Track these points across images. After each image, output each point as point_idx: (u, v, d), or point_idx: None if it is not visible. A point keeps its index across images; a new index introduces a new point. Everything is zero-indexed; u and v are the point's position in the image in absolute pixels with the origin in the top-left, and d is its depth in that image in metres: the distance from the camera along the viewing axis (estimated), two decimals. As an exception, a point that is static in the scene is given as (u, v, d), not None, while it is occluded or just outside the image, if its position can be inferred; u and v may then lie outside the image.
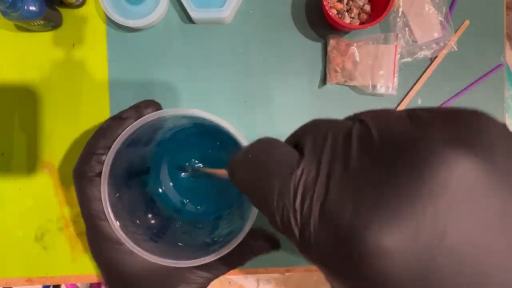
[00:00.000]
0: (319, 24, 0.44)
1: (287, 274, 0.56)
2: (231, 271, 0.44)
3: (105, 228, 0.28)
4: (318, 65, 0.44)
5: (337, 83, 0.43)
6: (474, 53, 0.44)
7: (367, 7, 0.42)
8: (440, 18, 0.43)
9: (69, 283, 0.45)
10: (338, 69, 0.42)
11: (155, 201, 0.37)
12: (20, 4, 0.36)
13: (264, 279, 0.56)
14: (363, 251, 0.13)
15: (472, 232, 0.12)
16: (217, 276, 0.31)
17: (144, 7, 0.41)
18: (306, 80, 0.44)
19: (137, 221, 0.31)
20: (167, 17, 0.43)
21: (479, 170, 0.13)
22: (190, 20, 0.43)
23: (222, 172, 0.28)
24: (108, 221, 0.28)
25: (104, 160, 0.28)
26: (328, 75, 0.43)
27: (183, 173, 0.39)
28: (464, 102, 0.45)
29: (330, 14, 0.39)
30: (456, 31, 0.44)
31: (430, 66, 0.44)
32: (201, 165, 0.37)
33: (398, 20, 0.43)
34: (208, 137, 0.38)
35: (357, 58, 0.42)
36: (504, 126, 0.15)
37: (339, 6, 0.41)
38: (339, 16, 0.41)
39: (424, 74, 0.44)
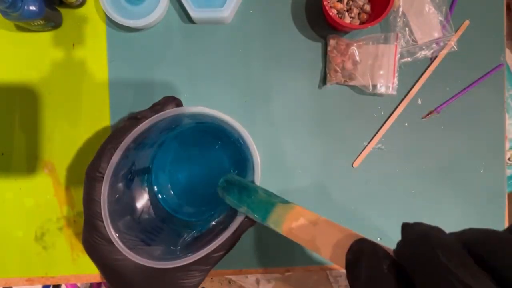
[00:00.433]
0: (319, 24, 0.44)
1: (287, 274, 0.56)
2: (231, 271, 0.44)
3: (101, 228, 0.29)
4: (318, 65, 0.44)
5: (337, 83, 0.43)
6: (474, 53, 0.44)
7: (367, 7, 0.42)
8: (440, 18, 0.43)
9: (69, 283, 0.45)
10: (338, 69, 0.42)
11: (153, 201, 0.37)
12: (20, 4, 0.36)
13: (264, 279, 0.56)
14: None
15: None
16: (212, 266, 0.31)
17: (144, 7, 0.41)
18: (306, 80, 0.44)
19: (132, 223, 0.32)
20: (167, 17, 0.43)
21: None
22: (190, 20, 0.43)
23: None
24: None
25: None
26: (328, 75, 0.43)
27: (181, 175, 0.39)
28: (464, 102, 0.45)
29: (330, 14, 0.39)
30: (456, 31, 0.44)
31: (430, 66, 0.44)
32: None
33: (398, 20, 0.43)
34: (209, 137, 0.38)
35: (357, 58, 0.42)
36: None
37: (339, 6, 0.41)
38: (339, 16, 0.41)
39: (424, 74, 0.44)
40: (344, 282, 0.57)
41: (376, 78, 0.42)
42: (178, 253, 0.29)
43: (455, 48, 0.44)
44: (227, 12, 0.41)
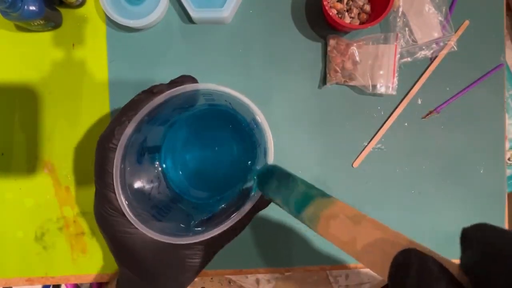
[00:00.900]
0: (319, 24, 0.44)
1: (287, 274, 0.56)
2: (231, 271, 0.44)
3: (113, 200, 0.28)
4: (318, 65, 0.44)
5: (337, 83, 0.43)
6: (474, 53, 0.44)
7: (367, 7, 0.42)
8: (440, 18, 0.43)
9: (69, 283, 0.45)
10: (338, 69, 0.42)
11: (162, 181, 0.37)
12: (20, 4, 0.36)
13: (264, 279, 0.56)
14: None
15: None
16: (220, 247, 0.31)
17: (144, 7, 0.41)
18: (306, 80, 0.44)
19: (143, 198, 0.32)
20: (167, 17, 0.43)
21: None
22: (190, 20, 0.43)
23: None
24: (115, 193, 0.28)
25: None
26: (328, 75, 0.43)
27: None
28: (464, 102, 0.45)
29: (330, 14, 0.39)
30: (456, 31, 0.44)
31: (430, 66, 0.44)
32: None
33: (398, 20, 0.43)
34: (220, 121, 0.38)
35: (357, 58, 0.42)
36: None
37: (339, 6, 0.41)
38: (339, 16, 0.41)
39: (424, 74, 0.44)
40: (344, 282, 0.57)
41: (376, 78, 0.42)
42: (188, 232, 0.29)
43: (455, 48, 0.44)
44: (227, 12, 0.41)
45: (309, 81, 0.44)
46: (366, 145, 0.44)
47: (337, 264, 0.44)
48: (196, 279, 0.33)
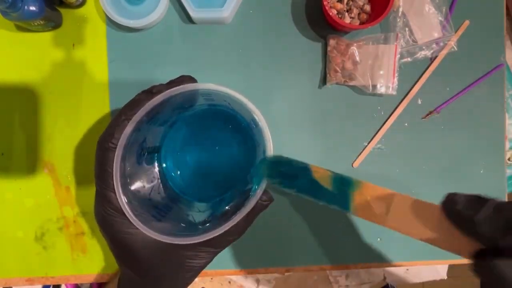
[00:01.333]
0: (319, 24, 0.44)
1: (287, 274, 0.56)
2: (231, 271, 0.44)
3: (113, 200, 0.28)
4: (318, 65, 0.44)
5: (337, 83, 0.43)
6: (474, 53, 0.44)
7: (367, 7, 0.42)
8: (440, 18, 0.43)
9: (69, 283, 0.45)
10: (338, 69, 0.42)
11: (162, 181, 0.37)
12: (20, 4, 0.36)
13: (264, 279, 0.56)
14: None
15: None
16: (222, 248, 0.31)
17: (144, 7, 0.41)
18: (306, 80, 0.44)
19: (143, 198, 0.32)
20: (167, 17, 0.43)
21: None
22: (190, 20, 0.43)
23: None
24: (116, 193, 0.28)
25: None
26: (328, 75, 0.43)
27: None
28: (464, 102, 0.45)
29: (330, 14, 0.39)
30: (456, 31, 0.44)
31: (430, 66, 0.44)
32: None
33: (398, 20, 0.43)
34: (219, 122, 0.38)
35: (357, 58, 0.42)
36: None
37: (339, 6, 0.41)
38: (339, 16, 0.41)
39: (424, 74, 0.44)
40: (344, 282, 0.57)
41: (376, 78, 0.42)
42: (188, 232, 0.29)
43: (455, 48, 0.44)
44: (227, 12, 0.41)
45: (309, 81, 0.44)
46: (366, 145, 0.44)
47: (337, 264, 0.44)
48: (196, 279, 0.33)
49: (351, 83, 0.43)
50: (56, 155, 0.43)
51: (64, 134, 0.43)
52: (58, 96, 0.43)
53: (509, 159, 0.52)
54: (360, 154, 0.44)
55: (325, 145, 0.44)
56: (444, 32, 0.43)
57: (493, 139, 0.45)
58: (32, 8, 0.37)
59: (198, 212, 0.35)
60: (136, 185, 0.31)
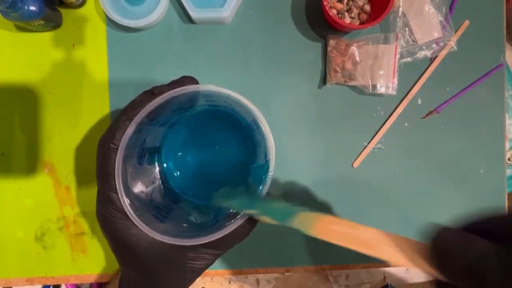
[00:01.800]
0: (319, 24, 0.44)
1: (287, 274, 0.56)
2: (231, 271, 0.44)
3: (115, 200, 0.28)
4: (318, 65, 0.44)
5: (337, 83, 0.43)
6: (474, 53, 0.44)
7: (367, 7, 0.42)
8: (440, 18, 0.43)
9: (69, 283, 0.45)
10: (338, 69, 0.42)
11: (163, 181, 0.37)
12: (20, 4, 0.36)
13: (264, 279, 0.56)
14: None
15: None
16: (225, 251, 0.31)
17: (144, 7, 0.41)
18: (306, 80, 0.44)
19: (145, 199, 0.32)
20: (167, 17, 0.43)
21: None
22: (190, 20, 0.43)
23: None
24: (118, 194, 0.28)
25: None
26: (328, 75, 0.43)
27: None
28: (464, 102, 0.45)
29: (330, 14, 0.39)
30: (456, 31, 0.44)
31: (430, 66, 0.44)
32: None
33: (398, 20, 0.43)
34: (220, 122, 0.38)
35: (357, 58, 0.42)
36: None
37: (339, 6, 0.41)
38: (339, 16, 0.41)
39: (424, 74, 0.44)
40: (344, 282, 0.57)
41: (376, 78, 0.42)
42: (191, 233, 0.29)
43: (455, 48, 0.44)
44: (227, 12, 0.41)
45: (309, 81, 0.44)
46: (366, 145, 0.44)
47: (337, 264, 0.44)
48: (196, 279, 0.33)
49: (351, 83, 0.43)
50: (56, 155, 0.43)
51: (64, 134, 0.43)
52: (58, 96, 0.43)
53: (509, 159, 0.52)
54: (360, 154, 0.44)
55: (325, 145, 0.44)
56: (444, 32, 0.43)
57: (493, 139, 0.45)
58: (32, 8, 0.37)
59: (200, 213, 0.35)
60: (137, 186, 0.31)
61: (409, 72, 0.44)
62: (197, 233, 0.28)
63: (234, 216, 0.29)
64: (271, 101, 0.44)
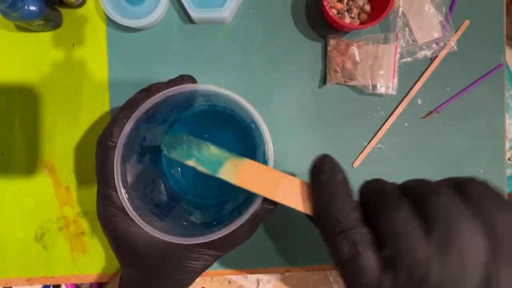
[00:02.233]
0: (319, 24, 0.44)
1: (287, 274, 0.56)
2: (231, 271, 0.44)
3: (114, 198, 0.28)
4: (318, 65, 0.44)
5: (337, 83, 0.43)
6: (474, 53, 0.44)
7: (367, 7, 0.42)
8: (440, 18, 0.43)
9: (69, 283, 0.45)
10: (338, 69, 0.42)
11: (163, 181, 0.37)
12: (20, 4, 0.36)
13: (264, 279, 0.56)
14: None
15: None
16: (225, 252, 0.31)
17: (144, 7, 0.41)
18: (306, 80, 0.44)
19: (145, 197, 0.32)
20: (167, 17, 0.43)
21: None
22: (190, 20, 0.43)
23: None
24: (117, 192, 0.28)
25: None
26: (328, 75, 0.43)
27: None
28: (464, 102, 0.45)
29: (330, 14, 0.39)
30: (456, 31, 0.44)
31: (430, 66, 0.44)
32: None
33: (398, 20, 0.43)
34: (219, 122, 0.38)
35: (357, 58, 0.42)
36: None
37: (339, 6, 0.41)
38: (339, 16, 0.41)
39: (424, 74, 0.44)
40: (344, 282, 0.57)
41: (376, 78, 0.42)
42: (190, 233, 0.29)
43: (455, 48, 0.44)
44: (227, 12, 0.41)
45: (309, 81, 0.44)
46: (366, 145, 0.44)
47: (337, 264, 0.44)
48: (196, 279, 0.33)
49: (351, 83, 0.43)
50: (56, 155, 0.43)
51: (64, 134, 0.43)
52: (58, 96, 0.43)
53: (509, 159, 0.52)
54: (360, 154, 0.44)
55: (325, 145, 0.44)
56: (444, 32, 0.43)
57: (493, 139, 0.45)
58: (32, 8, 0.37)
59: (202, 213, 0.35)
60: (137, 184, 0.31)
61: (409, 72, 0.44)
62: (198, 232, 0.29)
63: (234, 216, 0.29)
64: (271, 101, 0.44)
